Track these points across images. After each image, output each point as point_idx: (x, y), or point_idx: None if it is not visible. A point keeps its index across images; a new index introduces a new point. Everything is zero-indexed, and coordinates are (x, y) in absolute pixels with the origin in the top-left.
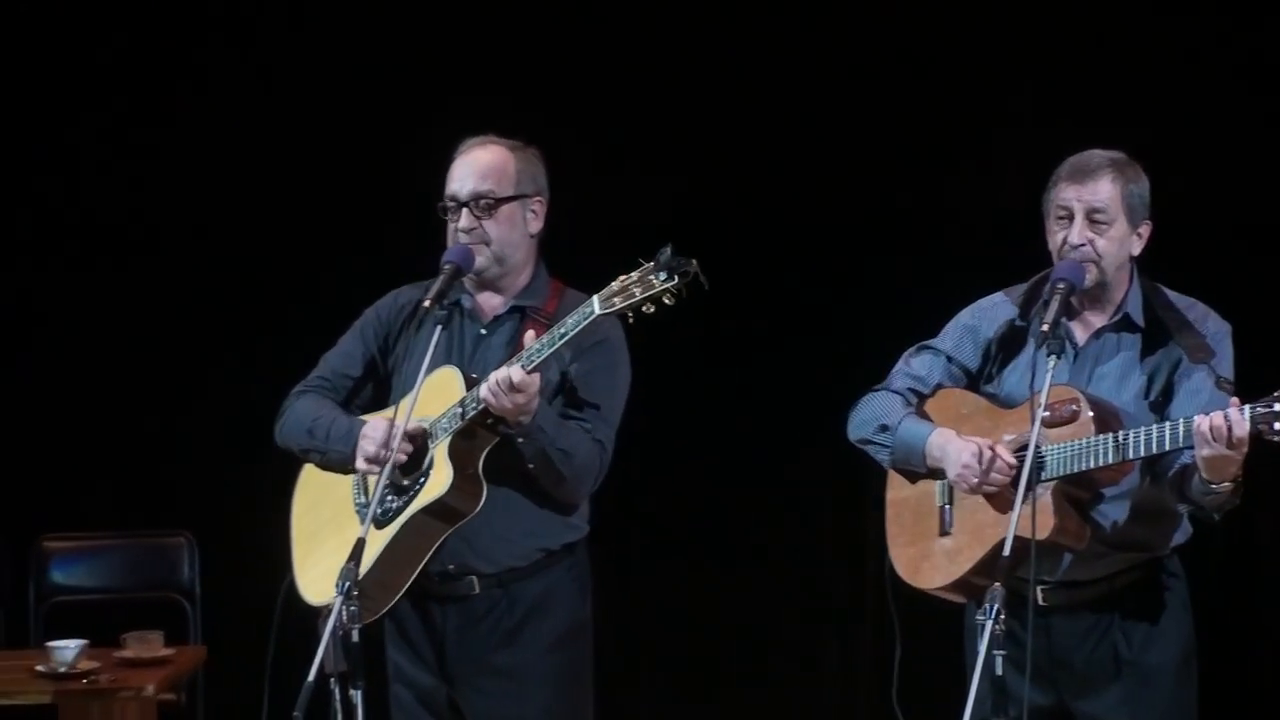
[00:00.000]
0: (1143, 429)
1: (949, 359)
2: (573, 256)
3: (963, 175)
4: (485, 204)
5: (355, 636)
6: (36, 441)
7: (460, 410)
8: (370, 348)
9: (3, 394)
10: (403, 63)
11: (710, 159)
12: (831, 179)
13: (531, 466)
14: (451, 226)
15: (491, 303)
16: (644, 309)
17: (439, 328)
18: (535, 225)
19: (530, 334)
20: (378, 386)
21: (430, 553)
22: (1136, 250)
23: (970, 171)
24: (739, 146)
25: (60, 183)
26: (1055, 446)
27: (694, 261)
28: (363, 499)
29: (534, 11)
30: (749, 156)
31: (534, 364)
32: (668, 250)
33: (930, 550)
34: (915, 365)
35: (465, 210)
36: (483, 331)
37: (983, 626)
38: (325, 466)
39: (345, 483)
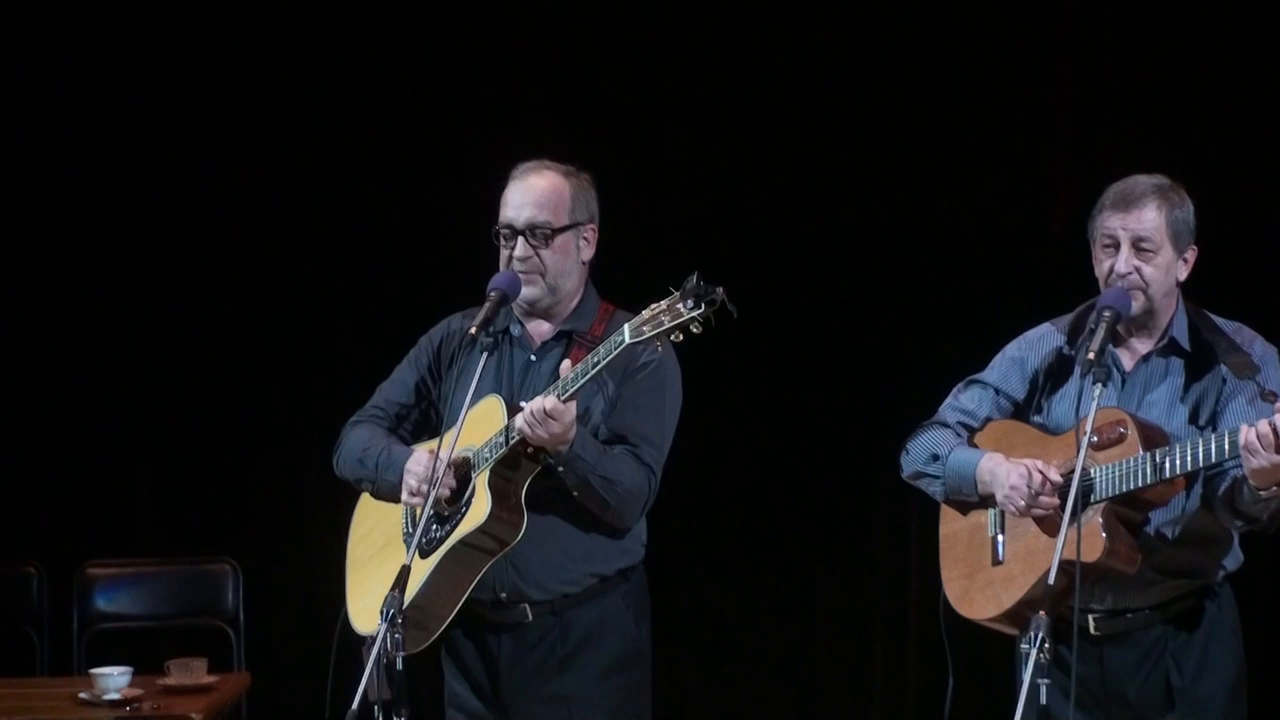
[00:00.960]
0: (1189, 442)
1: (997, 391)
2: (627, 278)
3: (1010, 205)
4: (541, 234)
5: (399, 665)
6: (81, 468)
7: (501, 440)
8: (423, 375)
9: (47, 420)
10: (448, 89)
11: (761, 187)
12: (883, 212)
13: (576, 494)
14: (505, 252)
15: (540, 329)
16: (673, 337)
17: (485, 355)
18: (588, 252)
19: (566, 363)
20: (431, 413)
21: (475, 581)
22: (1183, 276)
23: (1017, 201)
24: (788, 175)
25: (115, 212)
26: (1104, 467)
27: (720, 289)
28: (409, 528)
29: (580, 39)
30: (800, 186)
31: (569, 392)
32: (694, 278)
33: (982, 581)
34: (964, 399)
35: (521, 239)
36: (532, 358)
37: (1027, 655)
38: (378, 496)
39: (397, 512)
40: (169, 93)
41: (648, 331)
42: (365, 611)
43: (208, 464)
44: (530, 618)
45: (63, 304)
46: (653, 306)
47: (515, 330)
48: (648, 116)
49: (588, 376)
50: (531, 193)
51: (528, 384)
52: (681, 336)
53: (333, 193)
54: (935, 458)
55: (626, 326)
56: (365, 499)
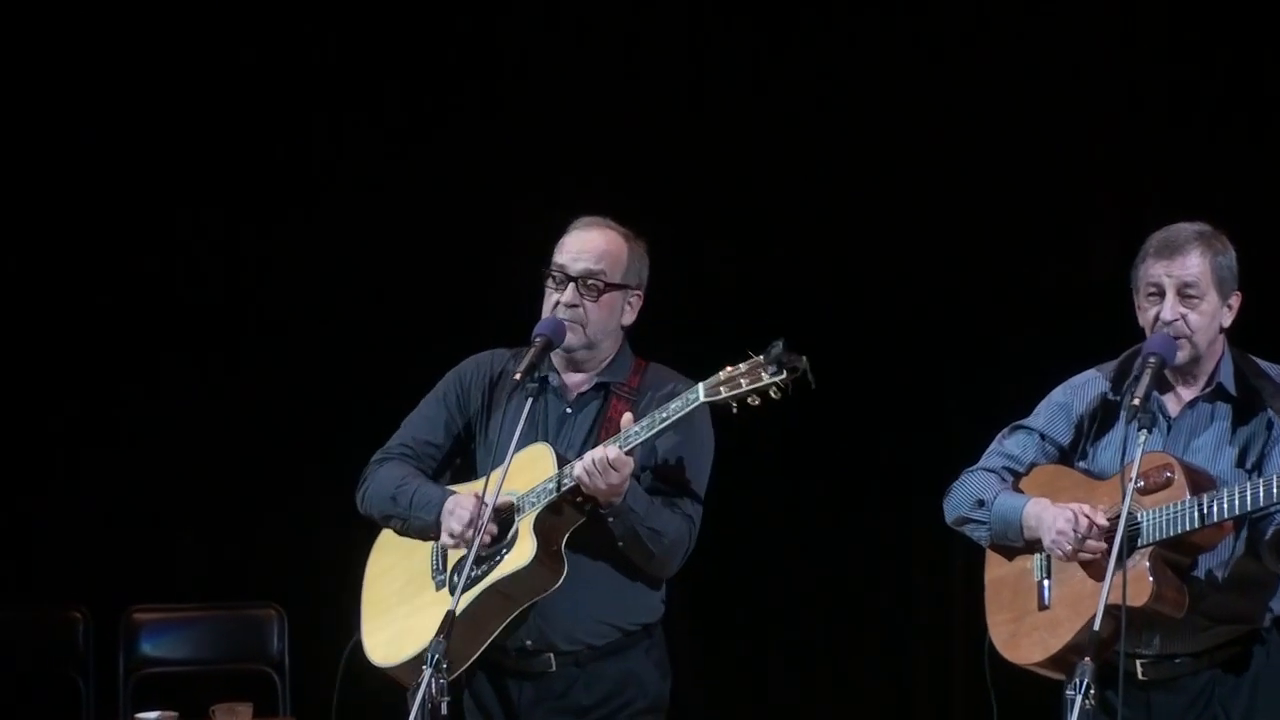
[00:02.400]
0: (1235, 486)
1: (1042, 437)
2: (660, 334)
3: (1051, 253)
4: (593, 285)
5: (444, 709)
6: (126, 513)
7: (552, 486)
8: (454, 416)
9: (93, 465)
10: (483, 138)
11: (797, 239)
12: (924, 263)
13: (622, 545)
14: (553, 297)
15: (575, 379)
16: (749, 401)
17: (530, 401)
18: (629, 317)
19: (628, 416)
20: (460, 453)
21: (503, 625)
22: (1227, 322)
23: (1060, 251)
24: (822, 227)
25: (160, 263)
26: (1150, 511)
27: (804, 358)
28: (440, 568)
29: (637, 99)
30: (836, 237)
31: (631, 446)
32: (780, 345)
33: (1029, 626)
34: (1009, 445)
35: (572, 286)
36: (568, 410)
37: (1073, 701)
38: (404, 533)
39: (423, 549)
40: (210, 134)
41: (724, 393)
42: (384, 645)
43: (253, 509)
44: (554, 667)
45: (108, 348)
46: (730, 369)
47: (553, 380)
48: (688, 173)
49: (654, 431)
50: (591, 244)
51: (564, 435)
52: (759, 401)
53: (371, 238)
54: (980, 503)
55: (701, 386)
56: (386, 535)
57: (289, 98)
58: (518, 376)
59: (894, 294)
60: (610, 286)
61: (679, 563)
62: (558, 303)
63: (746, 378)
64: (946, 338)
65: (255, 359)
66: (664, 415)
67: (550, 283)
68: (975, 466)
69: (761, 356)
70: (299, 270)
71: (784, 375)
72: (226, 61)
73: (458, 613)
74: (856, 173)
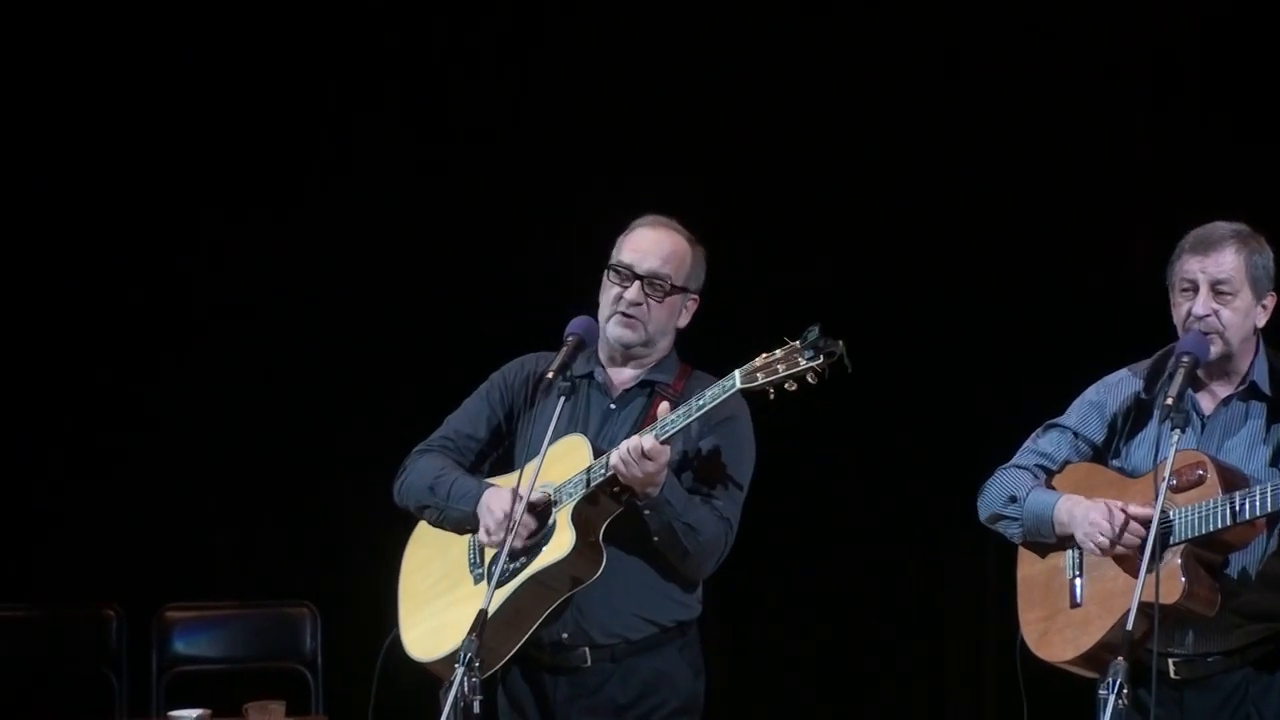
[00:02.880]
0: (1268, 484)
1: (1076, 435)
2: (707, 338)
3: (1088, 255)
4: (659, 286)
5: (476, 708)
6: (159, 511)
7: (587, 477)
8: (495, 411)
9: (126, 463)
10: (530, 141)
11: (831, 237)
12: (957, 259)
13: (657, 539)
14: (613, 290)
15: (621, 376)
16: (786, 386)
17: (562, 399)
18: (684, 320)
19: (664, 405)
20: (502, 449)
21: (542, 617)
22: (1261, 322)
23: (1095, 251)
24: (855, 224)
25: (189, 262)
26: (1183, 509)
27: (840, 343)
28: (478, 561)
29: (683, 94)
30: (870, 234)
31: (667, 435)
32: (815, 330)
33: (1060, 623)
34: (1042, 443)
35: (637, 284)
36: (612, 406)
37: (1105, 700)
38: (440, 524)
39: (459, 542)
40: (232, 128)
41: (761, 379)
42: (422, 640)
43: (286, 506)
44: (589, 662)
45: (140, 343)
46: (766, 355)
47: (599, 376)
48: (722, 171)
49: (691, 419)
50: (660, 244)
51: (606, 430)
52: (795, 387)
53: (409, 237)
54: (1013, 499)
55: (737, 371)
56: (422, 527)
57: (310, 90)
58: (550, 375)
59: (928, 292)
60: (675, 289)
61: (713, 565)
62: (619, 298)
63: (783, 363)
64: (980, 335)
65: (290, 353)
66: (700, 402)
67: (613, 277)
68: (1008, 464)
69: (797, 342)
70: (334, 264)
71: (820, 360)
72: (248, 54)
73: (494, 608)
74: (893, 172)
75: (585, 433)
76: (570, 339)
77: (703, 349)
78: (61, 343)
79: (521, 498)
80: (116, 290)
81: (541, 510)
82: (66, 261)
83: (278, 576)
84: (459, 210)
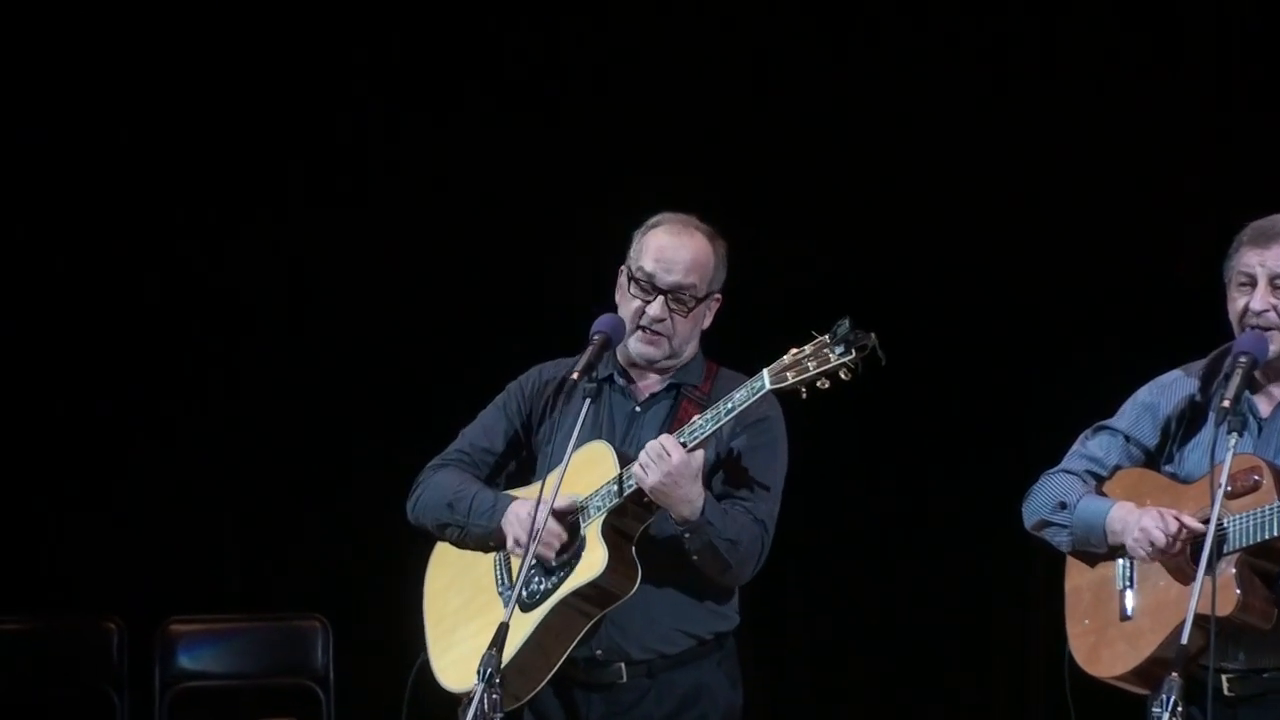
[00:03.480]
0: None
1: (1127, 438)
2: (730, 335)
3: (1138, 254)
4: (684, 301)
5: None
6: (163, 519)
7: (615, 487)
8: (513, 423)
9: (128, 471)
10: (554, 137)
11: (873, 236)
12: (997, 258)
13: (696, 559)
14: (634, 303)
15: (647, 381)
16: (818, 384)
17: (588, 401)
18: (708, 321)
19: (696, 417)
20: (520, 463)
21: (579, 638)
22: None
23: (1146, 250)
24: (900, 223)
25: (199, 271)
26: (1237, 516)
27: (873, 335)
28: (506, 581)
29: (702, 89)
30: (913, 233)
31: (697, 440)
32: (846, 323)
33: (1110, 636)
34: (1092, 446)
35: (661, 299)
36: (637, 409)
37: (1158, 718)
38: (462, 543)
39: (484, 562)
40: (260, 131)
41: (791, 378)
42: (455, 666)
43: (296, 514)
44: (625, 678)
45: (144, 350)
46: (795, 351)
47: (620, 379)
48: (758, 168)
49: (720, 423)
50: (683, 253)
51: (632, 435)
52: (828, 384)
53: (424, 237)
54: (1062, 505)
55: (766, 371)
56: (443, 549)
57: (341, 89)
58: (574, 376)
59: (971, 291)
60: (700, 300)
61: (751, 573)
62: (642, 312)
63: (813, 360)
64: (1026, 335)
65: (298, 360)
66: (729, 405)
67: (634, 290)
68: (1056, 469)
69: (827, 336)
70: (345, 274)
71: (853, 354)
72: (281, 51)
73: (525, 634)
74: (937, 169)
75: (609, 438)
76: (596, 338)
77: (722, 342)
78: (62, 350)
79: (545, 502)
80: (122, 298)
81: (570, 522)
82: (70, 272)
83: (288, 587)
84: (470, 219)
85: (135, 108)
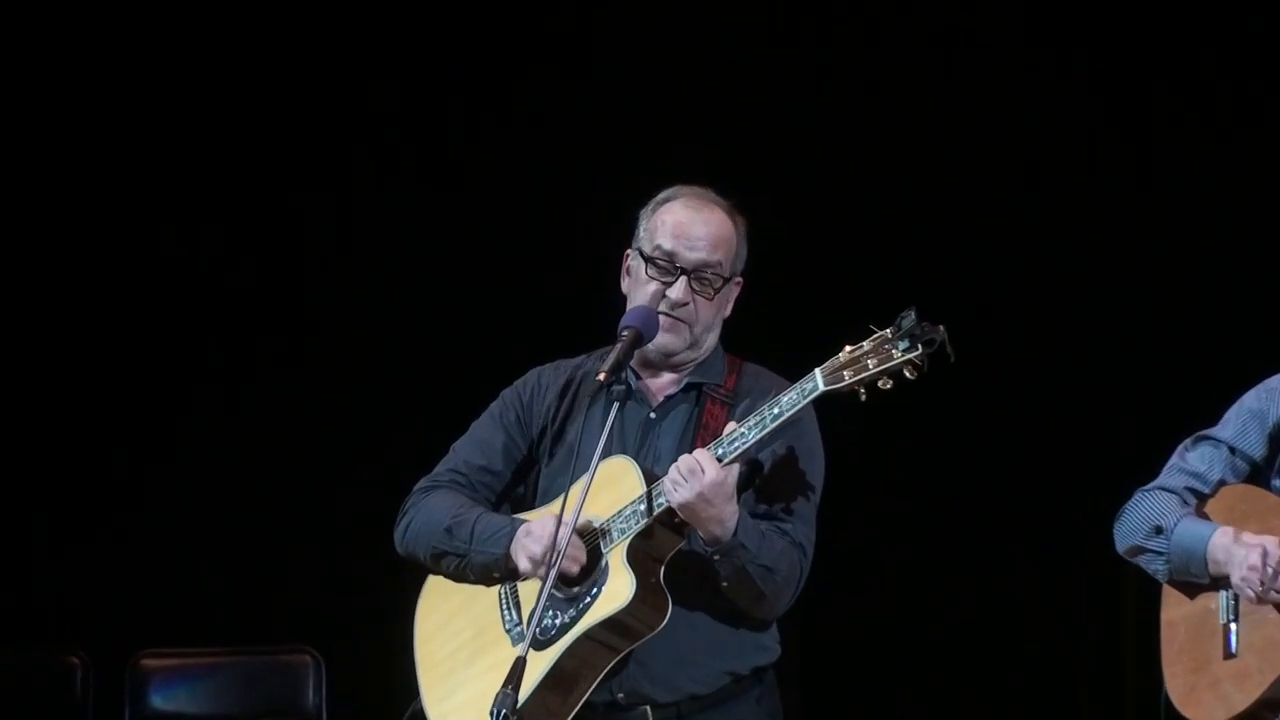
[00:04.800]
0: None
1: (1231, 450)
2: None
3: (1236, 246)
4: (709, 281)
5: None
6: (133, 542)
7: (643, 507)
8: (512, 437)
9: (97, 491)
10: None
11: (938, 223)
12: (1084, 248)
13: (726, 585)
14: (650, 286)
15: (660, 381)
16: (879, 384)
17: (616, 407)
18: (729, 308)
19: (732, 424)
20: (521, 483)
21: (601, 676)
22: None
23: (1243, 240)
24: (978, 211)
25: (174, 292)
26: None
27: (941, 328)
28: (513, 616)
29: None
30: (986, 222)
31: (734, 454)
32: (912, 314)
33: (1211, 677)
34: (1192, 459)
35: (684, 280)
36: (652, 415)
37: None
38: (460, 575)
39: (486, 597)
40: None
41: (848, 377)
42: (459, 713)
43: (284, 538)
44: None
45: (122, 363)
46: (852, 348)
47: (631, 382)
48: (803, 147)
49: (765, 432)
50: (705, 227)
51: (648, 445)
52: (890, 384)
53: (410, 277)
54: (1158, 530)
55: (818, 372)
56: (436, 584)
57: (349, 84)
58: (601, 378)
59: (1054, 281)
60: (726, 280)
61: (788, 602)
62: (661, 295)
63: (873, 357)
64: (1119, 330)
65: (285, 377)
66: (775, 411)
67: (651, 270)
68: (1152, 485)
69: (889, 330)
70: (333, 284)
71: (919, 350)
72: (292, 42)
73: (540, 673)
74: (1004, 144)
75: (621, 448)
76: (625, 333)
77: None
78: (29, 369)
79: (566, 523)
80: (96, 322)
81: (590, 547)
82: (41, 298)
83: (274, 617)
84: (472, 215)
85: (137, 106)
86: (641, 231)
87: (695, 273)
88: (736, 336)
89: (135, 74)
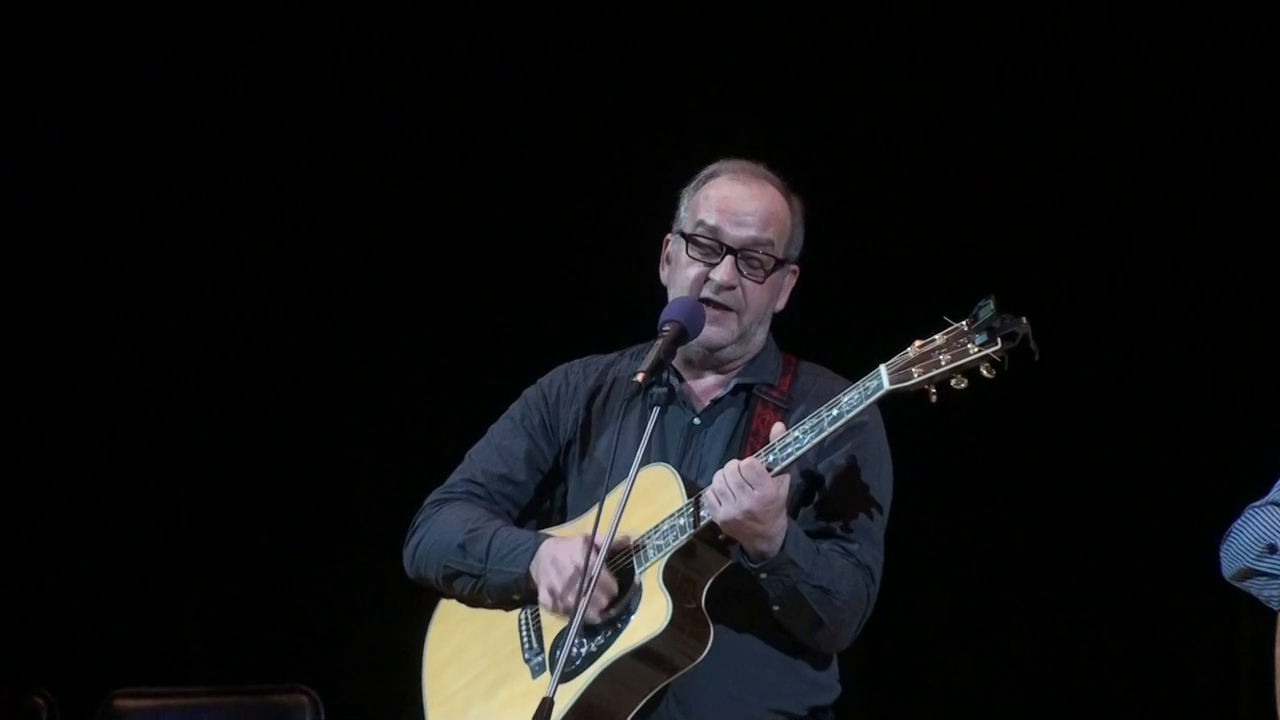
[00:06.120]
0: None
1: None
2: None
3: None
4: (759, 262)
5: None
6: (108, 571)
7: (684, 521)
8: (536, 441)
9: (63, 508)
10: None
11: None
12: (1193, 224)
13: (778, 610)
14: (692, 269)
15: (705, 383)
16: (952, 383)
17: (656, 411)
18: (783, 300)
19: (779, 426)
20: (547, 494)
21: (634, 715)
22: None
23: None
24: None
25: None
26: None
27: (1024, 320)
28: (534, 645)
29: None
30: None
31: (787, 462)
32: (990, 304)
33: None
34: None
35: (730, 260)
36: (696, 421)
37: None
38: (476, 599)
39: (505, 624)
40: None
41: (917, 375)
42: None
43: (276, 572)
44: None
45: (100, 365)
46: (922, 343)
47: (674, 383)
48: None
49: (822, 437)
50: (755, 202)
51: (692, 453)
52: (965, 383)
53: (409, 297)
54: (1271, 549)
55: (884, 369)
56: (448, 610)
57: (355, 73)
58: (638, 379)
59: (1151, 266)
60: (780, 263)
61: (854, 632)
62: (705, 278)
63: (947, 352)
64: (1227, 325)
65: (276, 389)
66: (834, 413)
67: (693, 250)
68: (1262, 501)
69: (965, 322)
70: (316, 296)
71: (999, 345)
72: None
73: (564, 708)
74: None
75: (661, 457)
76: (667, 328)
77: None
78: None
79: (599, 547)
80: (71, 340)
81: (622, 567)
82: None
83: (265, 654)
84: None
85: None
86: (683, 211)
87: (743, 252)
88: (791, 331)
89: (133, 73)
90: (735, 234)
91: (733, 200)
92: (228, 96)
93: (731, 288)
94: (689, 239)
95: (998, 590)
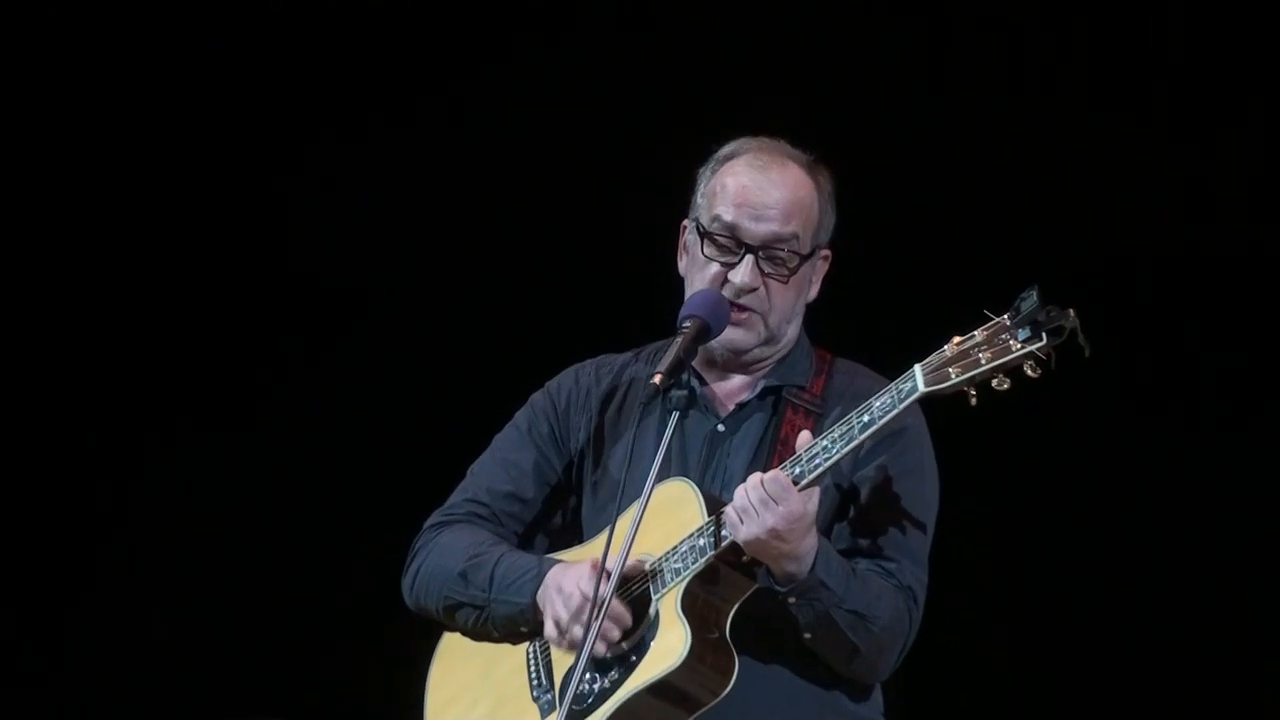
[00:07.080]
0: None
1: None
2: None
3: None
4: (784, 259)
5: None
6: (86, 603)
7: (704, 542)
8: (544, 452)
9: (45, 543)
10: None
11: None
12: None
13: (809, 636)
14: (710, 268)
15: (729, 385)
16: (993, 383)
17: (675, 417)
18: (815, 290)
19: (805, 435)
20: (560, 509)
21: None
22: None
23: None
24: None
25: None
26: None
27: (1072, 313)
28: (544, 682)
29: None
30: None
31: (816, 474)
32: (1033, 295)
33: None
34: None
35: (751, 259)
36: (720, 427)
37: None
38: (481, 631)
39: (511, 658)
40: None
41: (955, 376)
42: None
43: (264, 600)
44: None
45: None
46: (960, 340)
47: (695, 385)
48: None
49: (852, 445)
50: (777, 191)
51: (715, 464)
52: (1008, 384)
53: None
54: None
55: (918, 369)
56: (452, 644)
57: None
58: (656, 380)
59: (1216, 252)
60: (805, 258)
61: (896, 660)
62: (724, 279)
63: (987, 350)
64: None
65: (265, 403)
66: (865, 419)
67: (708, 247)
68: None
69: (1006, 317)
70: (329, 281)
71: (1043, 341)
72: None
73: None
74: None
75: (682, 468)
76: (687, 325)
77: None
78: None
79: (609, 573)
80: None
81: (637, 594)
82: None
83: (240, 690)
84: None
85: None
86: (699, 198)
87: (764, 250)
88: (825, 324)
89: (135, 74)
90: (755, 230)
91: (751, 191)
92: (237, 94)
93: (754, 289)
94: (705, 236)
95: (1061, 610)
